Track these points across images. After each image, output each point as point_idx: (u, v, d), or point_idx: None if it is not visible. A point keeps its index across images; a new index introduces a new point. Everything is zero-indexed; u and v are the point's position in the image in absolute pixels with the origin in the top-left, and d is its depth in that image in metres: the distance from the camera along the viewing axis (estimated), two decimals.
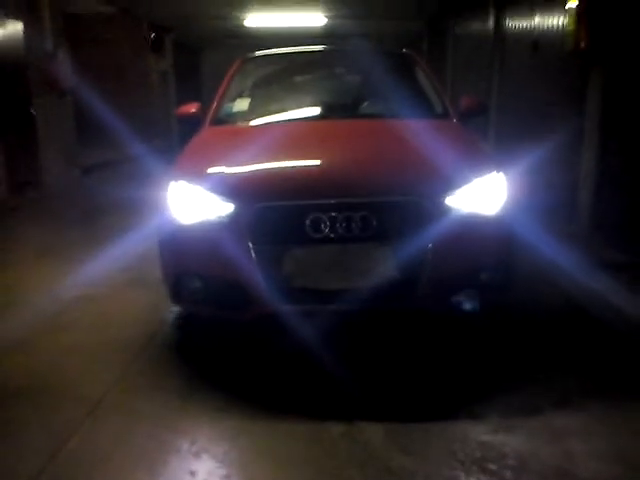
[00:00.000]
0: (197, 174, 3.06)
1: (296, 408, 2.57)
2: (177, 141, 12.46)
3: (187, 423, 2.48)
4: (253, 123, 3.81)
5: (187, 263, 3.00)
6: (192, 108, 4.03)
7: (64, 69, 8.61)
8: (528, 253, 3.90)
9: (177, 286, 3.04)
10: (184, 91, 16.03)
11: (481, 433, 2.35)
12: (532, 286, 3.84)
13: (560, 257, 3.94)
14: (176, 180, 3.06)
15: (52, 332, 3.35)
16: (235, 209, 2.83)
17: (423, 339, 3.21)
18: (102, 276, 4.19)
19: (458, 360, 3.00)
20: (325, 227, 2.77)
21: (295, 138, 3.39)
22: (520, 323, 3.39)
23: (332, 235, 2.77)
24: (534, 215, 3.94)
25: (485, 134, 7.85)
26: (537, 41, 6.24)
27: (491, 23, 8.07)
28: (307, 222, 2.77)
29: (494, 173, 3.05)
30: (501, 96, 7.65)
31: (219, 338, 3.27)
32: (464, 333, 3.28)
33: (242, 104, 4.12)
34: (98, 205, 6.85)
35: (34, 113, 8.24)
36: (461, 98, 4.12)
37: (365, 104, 4.08)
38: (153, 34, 13.39)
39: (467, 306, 2.93)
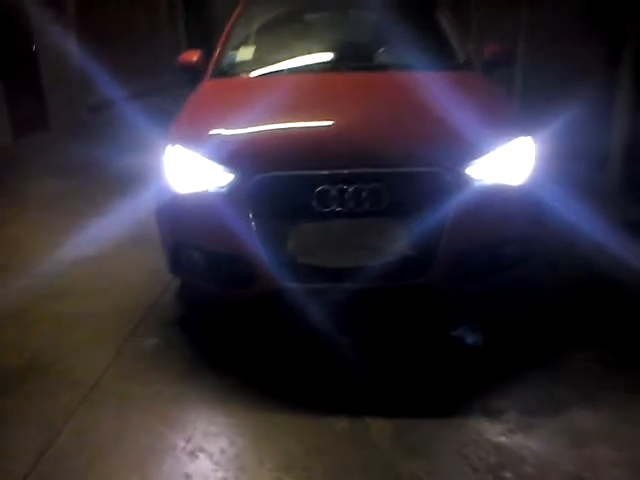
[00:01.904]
0: (194, 138, 2.80)
1: (299, 398, 2.41)
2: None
3: (183, 416, 2.32)
4: (257, 75, 3.49)
5: (185, 234, 2.78)
6: (194, 56, 3.71)
7: None
8: (554, 221, 3.62)
9: (175, 257, 2.84)
10: (195, 24, 15.37)
11: (497, 433, 2.17)
12: (555, 255, 3.58)
13: (587, 222, 3.64)
14: (172, 144, 2.80)
15: (46, 301, 3.20)
16: (235, 179, 2.58)
17: (436, 318, 3.00)
18: (103, 233, 4.00)
19: (472, 343, 2.80)
20: (334, 200, 2.52)
21: (302, 94, 3.08)
22: (540, 297, 3.16)
23: (341, 209, 2.53)
24: (562, 180, 3.62)
25: (510, 86, 7.31)
26: None
27: None
28: (314, 194, 2.52)
29: (522, 137, 2.76)
30: (530, 44, 7.04)
31: (221, 312, 3.09)
32: (478, 311, 3.05)
33: (246, 52, 3.78)
34: (104, 150, 6.53)
35: (36, 49, 7.90)
36: (486, 46, 3.76)
37: (380, 52, 3.71)
38: None
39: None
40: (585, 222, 3.56)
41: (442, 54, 3.60)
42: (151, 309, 3.12)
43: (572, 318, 2.97)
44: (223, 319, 3.04)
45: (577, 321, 2.94)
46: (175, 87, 9.51)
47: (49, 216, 4.61)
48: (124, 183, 4.88)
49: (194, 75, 3.69)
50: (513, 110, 3.03)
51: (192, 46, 8.02)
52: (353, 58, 3.60)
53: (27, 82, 7.79)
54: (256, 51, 3.78)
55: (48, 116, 8.08)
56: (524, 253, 2.81)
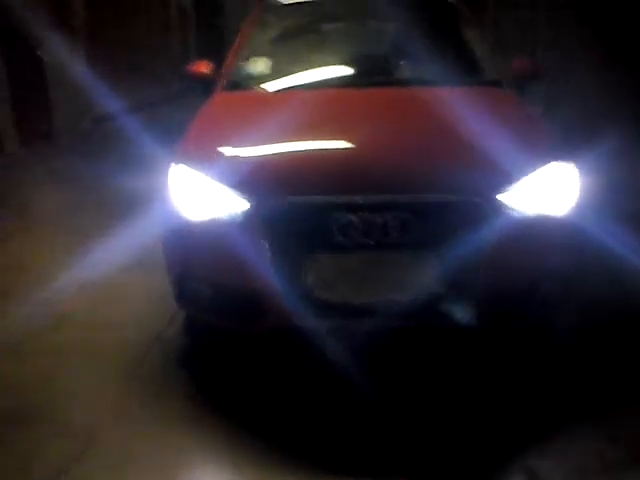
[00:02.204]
0: (202, 157, 2.58)
1: (314, 453, 2.16)
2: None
3: (187, 473, 2.09)
4: (273, 89, 3.25)
5: (192, 265, 2.55)
6: (203, 67, 3.50)
7: None
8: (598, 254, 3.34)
9: (181, 289, 2.62)
10: (205, 31, 15.20)
11: None
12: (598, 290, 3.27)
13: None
14: (177, 163, 2.58)
15: (44, 332, 2.96)
16: (249, 205, 2.36)
17: (470, 362, 2.72)
18: (107, 256, 3.76)
19: (510, 391, 2.54)
20: (357, 230, 2.29)
21: (322, 112, 2.86)
22: (579, 338, 2.90)
23: (365, 240, 2.30)
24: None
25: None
26: None
27: None
28: (335, 224, 2.30)
29: (561, 162, 2.52)
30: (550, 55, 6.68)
31: (229, 349, 2.85)
32: (513, 353, 2.79)
33: (261, 64, 3.56)
34: (110, 163, 6.29)
35: (43, 57, 7.73)
36: (513, 60, 3.53)
37: (403, 66, 3.50)
38: None
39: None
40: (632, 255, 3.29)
41: (468, 69, 3.37)
42: (156, 342, 2.88)
43: (621, 361, 2.70)
44: (232, 356, 2.80)
45: (628, 366, 2.67)
46: (185, 96, 9.22)
47: (53, 233, 4.40)
48: (130, 200, 4.66)
49: (204, 86, 3.48)
50: (549, 132, 2.79)
51: (202, 54, 7.83)
52: (374, 72, 3.37)
53: (34, 91, 7.62)
54: (271, 63, 3.55)
55: (53, 127, 7.91)
56: (564, 289, 2.57)
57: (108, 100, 7.84)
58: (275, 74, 3.42)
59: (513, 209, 2.37)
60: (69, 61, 7.98)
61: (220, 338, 2.87)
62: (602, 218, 3.03)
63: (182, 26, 14.05)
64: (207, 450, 2.18)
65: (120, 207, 4.63)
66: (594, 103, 5.47)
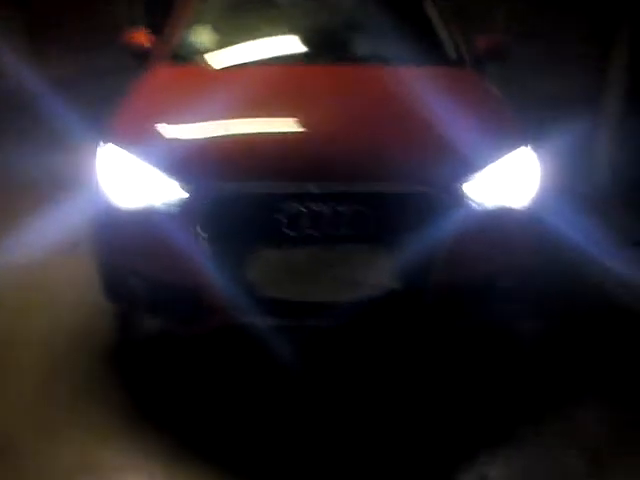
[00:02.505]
0: (135, 137, 2.32)
1: (261, 468, 1.97)
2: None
3: None
4: (217, 64, 2.97)
5: (122, 257, 2.29)
6: (141, 38, 3.19)
7: None
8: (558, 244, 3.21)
9: (109, 283, 2.36)
10: None
11: None
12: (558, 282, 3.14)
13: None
14: (105, 143, 2.31)
15: None
16: (185, 193, 2.11)
17: (430, 364, 2.54)
18: (42, 238, 3.41)
19: (463, 391, 2.39)
20: (305, 222, 2.08)
21: (272, 92, 2.60)
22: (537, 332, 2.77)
23: (314, 233, 2.09)
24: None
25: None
26: None
27: None
28: (281, 215, 2.07)
29: (523, 148, 2.36)
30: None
31: (166, 347, 2.59)
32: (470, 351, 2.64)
33: (207, 35, 3.24)
34: (52, 135, 5.76)
35: None
36: (477, 38, 3.34)
37: (361, 43, 3.23)
38: None
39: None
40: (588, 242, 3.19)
41: (430, 47, 3.15)
42: (85, 337, 2.61)
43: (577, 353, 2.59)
44: (168, 354, 2.56)
45: (586, 358, 2.55)
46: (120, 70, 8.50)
47: None
48: (68, 175, 4.27)
49: (141, 59, 3.17)
50: (512, 115, 2.62)
51: (152, 23, 7.26)
52: (331, 49, 3.10)
53: None
54: (218, 35, 3.23)
55: None
56: (524, 283, 2.42)
57: (18, 70, 7.10)
58: (221, 46, 3.13)
59: (474, 201, 2.19)
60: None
61: (155, 335, 2.62)
62: (559, 204, 2.90)
63: None
64: (139, 468, 1.95)
65: (56, 185, 4.25)
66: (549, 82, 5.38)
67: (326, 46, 3.12)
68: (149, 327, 2.59)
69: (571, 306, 2.90)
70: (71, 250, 3.23)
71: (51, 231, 3.40)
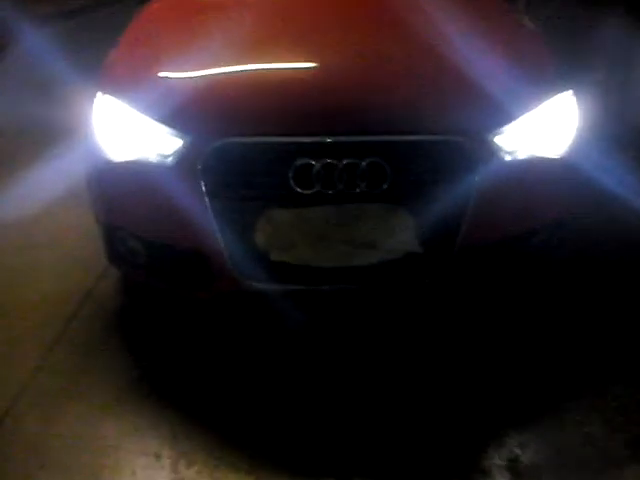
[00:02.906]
0: (130, 85, 2.08)
1: (264, 444, 1.84)
2: None
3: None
4: None
5: (120, 216, 2.11)
6: None
7: None
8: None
9: (110, 244, 2.19)
10: None
11: None
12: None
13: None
14: (102, 93, 2.08)
15: None
16: (184, 145, 1.90)
17: (451, 335, 2.31)
18: (37, 188, 3.24)
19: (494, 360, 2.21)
20: (318, 178, 1.86)
21: (280, 25, 2.33)
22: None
23: (327, 191, 1.87)
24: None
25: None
26: None
27: None
28: (292, 170, 1.86)
29: (563, 93, 2.09)
30: None
31: (171, 312, 2.43)
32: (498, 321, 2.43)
33: None
34: (54, 75, 5.43)
35: None
36: None
37: None
38: None
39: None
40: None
41: None
42: (86, 299, 2.47)
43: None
44: (173, 321, 2.40)
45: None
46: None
47: None
48: (68, 122, 4.04)
49: None
50: (550, 54, 2.33)
51: None
52: None
53: None
54: None
55: None
56: (558, 241, 2.21)
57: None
58: None
59: (507, 152, 1.95)
60: None
61: (160, 300, 2.46)
62: (595, 150, 2.63)
63: None
64: (139, 448, 1.83)
65: (55, 132, 4.03)
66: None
67: None
68: (153, 291, 2.42)
69: (611, 263, 2.68)
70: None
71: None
